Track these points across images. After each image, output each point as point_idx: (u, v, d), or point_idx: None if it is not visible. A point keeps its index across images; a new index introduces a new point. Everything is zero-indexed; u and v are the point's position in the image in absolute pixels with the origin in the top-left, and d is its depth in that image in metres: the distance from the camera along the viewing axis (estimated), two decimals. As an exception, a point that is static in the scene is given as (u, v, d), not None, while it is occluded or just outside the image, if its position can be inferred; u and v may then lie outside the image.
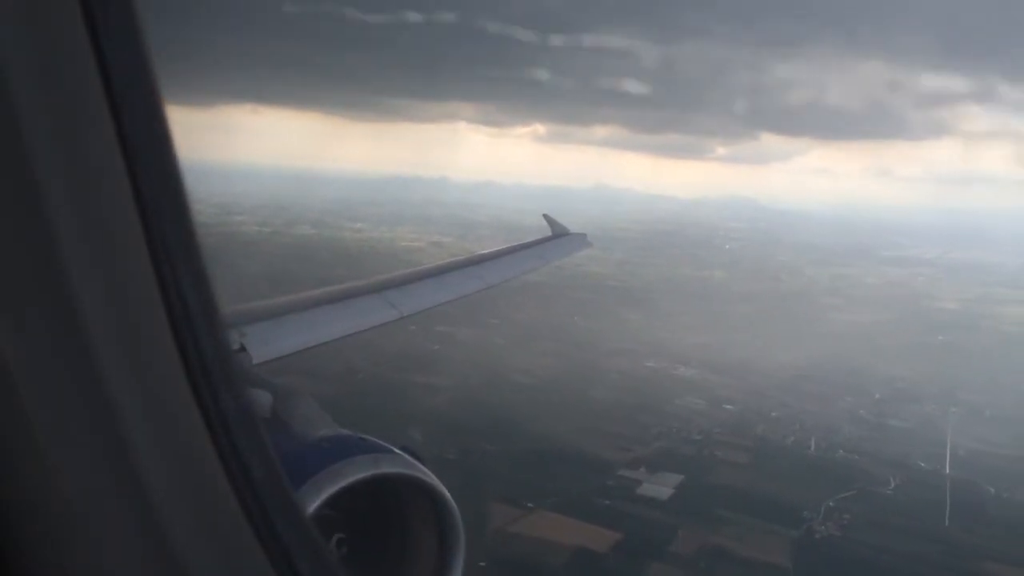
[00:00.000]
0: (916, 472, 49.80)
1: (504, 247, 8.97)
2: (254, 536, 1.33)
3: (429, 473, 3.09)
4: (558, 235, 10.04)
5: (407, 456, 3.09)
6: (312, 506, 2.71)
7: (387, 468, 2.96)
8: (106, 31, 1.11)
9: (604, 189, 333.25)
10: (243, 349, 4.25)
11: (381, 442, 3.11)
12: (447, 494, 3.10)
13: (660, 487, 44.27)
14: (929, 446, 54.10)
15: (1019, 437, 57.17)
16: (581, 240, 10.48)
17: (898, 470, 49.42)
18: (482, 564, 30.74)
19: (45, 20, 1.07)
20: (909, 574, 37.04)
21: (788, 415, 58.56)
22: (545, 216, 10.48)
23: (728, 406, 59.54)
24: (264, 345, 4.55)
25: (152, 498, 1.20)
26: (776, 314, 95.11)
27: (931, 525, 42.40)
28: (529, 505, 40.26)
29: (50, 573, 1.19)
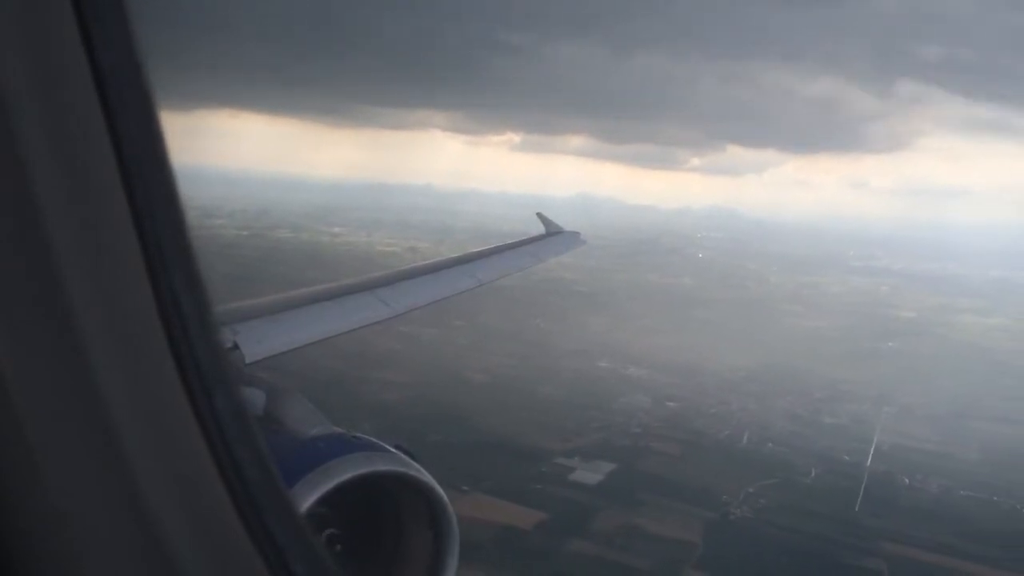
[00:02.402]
0: (838, 464, 52.94)
1: (498, 245, 8.99)
2: (248, 535, 1.32)
3: (423, 471, 3.11)
4: (552, 233, 10.05)
5: (401, 454, 3.12)
6: (306, 504, 2.73)
7: (381, 466, 2.99)
8: (100, 35, 1.12)
9: (587, 198, 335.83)
10: (236, 348, 4.27)
11: (375, 440, 3.14)
12: (441, 492, 3.14)
13: (591, 474, 47.24)
14: (856, 442, 57.19)
15: (945, 434, 60.50)
16: (575, 238, 10.44)
17: (821, 462, 52.53)
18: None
19: (38, 25, 1.08)
20: (808, 550, 40.19)
21: (727, 412, 61.59)
22: (539, 215, 10.53)
23: (671, 403, 62.46)
24: (257, 344, 4.55)
25: (146, 498, 1.20)
26: (736, 319, 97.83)
27: (841, 510, 45.48)
28: (464, 488, 42.90)
29: (44, 575, 1.18)
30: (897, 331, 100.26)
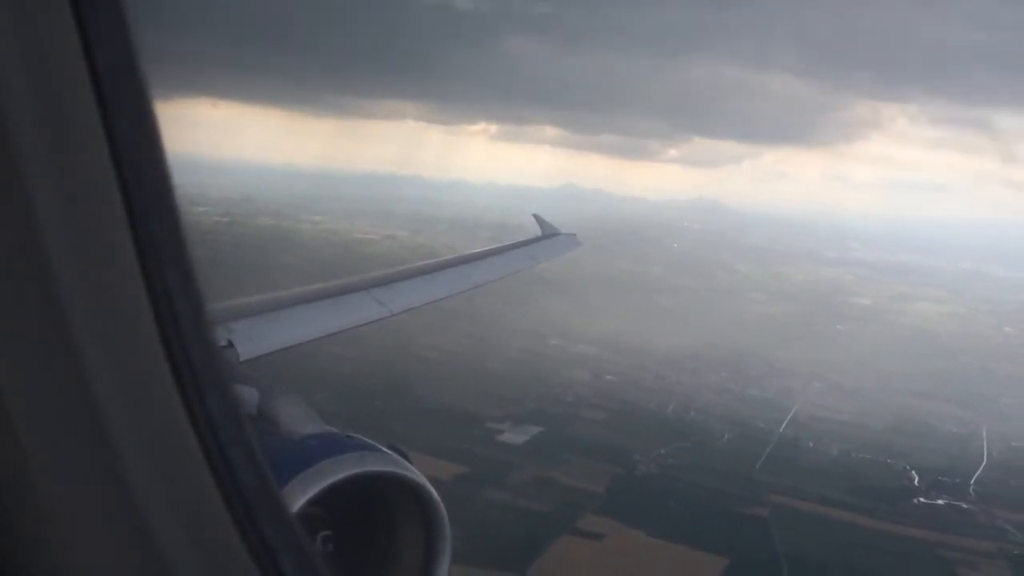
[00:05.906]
0: (752, 430, 57.14)
1: (494, 247, 9.03)
2: (239, 535, 1.33)
3: (416, 471, 3.20)
4: (548, 235, 10.13)
5: (394, 454, 3.21)
6: (298, 504, 2.75)
7: (373, 466, 3.04)
8: (97, 33, 1.12)
9: (573, 189, 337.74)
10: (230, 345, 4.26)
11: (368, 440, 3.21)
12: (434, 492, 3.24)
13: (518, 436, 51.46)
14: (776, 412, 61.30)
15: (862, 406, 64.64)
16: (571, 240, 10.47)
17: (736, 428, 56.74)
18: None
19: (35, 23, 1.07)
20: (700, 499, 44.57)
21: (661, 386, 65.67)
22: (535, 216, 10.55)
23: (609, 377, 66.43)
24: (251, 342, 4.57)
25: (137, 498, 1.20)
26: (696, 305, 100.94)
27: (742, 468, 49.77)
28: (397, 447, 47.12)
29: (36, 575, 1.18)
30: (849, 316, 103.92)
